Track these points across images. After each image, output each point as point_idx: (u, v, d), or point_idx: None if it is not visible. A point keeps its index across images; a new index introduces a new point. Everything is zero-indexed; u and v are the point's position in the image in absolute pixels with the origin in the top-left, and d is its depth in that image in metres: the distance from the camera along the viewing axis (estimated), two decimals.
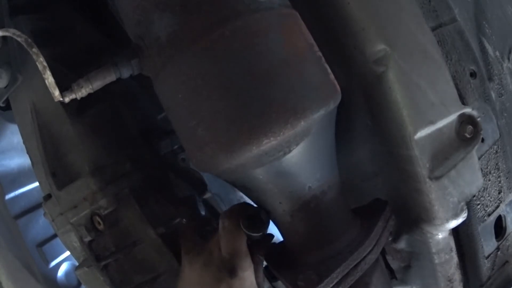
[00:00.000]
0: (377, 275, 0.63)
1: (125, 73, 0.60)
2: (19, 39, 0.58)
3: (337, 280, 0.57)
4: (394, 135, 0.63)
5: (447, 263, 0.69)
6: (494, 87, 0.74)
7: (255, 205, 0.65)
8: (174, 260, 0.80)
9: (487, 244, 0.72)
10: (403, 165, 0.64)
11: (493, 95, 0.73)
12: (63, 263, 1.28)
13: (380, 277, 0.64)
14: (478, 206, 0.70)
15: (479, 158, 0.67)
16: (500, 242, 0.75)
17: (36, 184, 1.13)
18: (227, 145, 0.52)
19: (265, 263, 0.68)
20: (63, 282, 1.26)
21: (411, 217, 0.67)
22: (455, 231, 0.69)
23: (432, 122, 0.61)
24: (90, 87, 0.60)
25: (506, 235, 0.76)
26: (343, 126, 0.65)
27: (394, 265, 0.75)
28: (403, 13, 0.61)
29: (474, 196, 0.68)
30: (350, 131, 0.70)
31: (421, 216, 0.65)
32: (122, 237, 0.83)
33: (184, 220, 0.86)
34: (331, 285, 0.57)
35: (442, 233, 0.66)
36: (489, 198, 0.71)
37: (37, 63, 0.58)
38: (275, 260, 0.65)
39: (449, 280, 0.70)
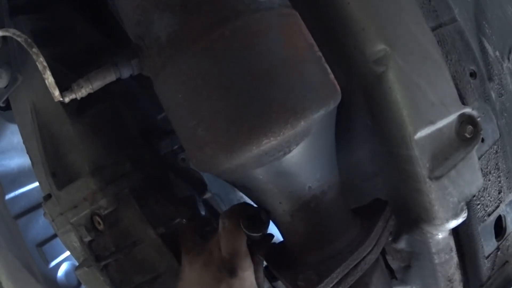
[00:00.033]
0: (377, 275, 0.63)
1: (125, 73, 0.60)
2: (19, 39, 0.58)
3: (337, 280, 0.57)
4: (394, 135, 0.63)
5: (447, 263, 0.69)
6: (494, 87, 0.74)
7: (255, 205, 0.65)
8: (174, 260, 0.80)
9: (487, 244, 0.72)
10: (403, 165, 0.64)
11: (493, 95, 0.73)
12: (63, 263, 1.28)
13: (380, 277, 0.64)
14: (478, 206, 0.70)
15: (479, 158, 0.67)
16: (500, 242, 0.75)
17: (36, 184, 1.13)
18: (227, 145, 0.52)
19: (265, 263, 0.68)
20: (63, 282, 1.25)
21: (411, 217, 0.67)
22: (455, 231, 0.69)
23: (432, 122, 0.61)
24: (90, 87, 0.60)
25: (506, 235, 0.76)
26: (343, 126, 0.65)
27: (394, 265, 0.75)
28: (403, 13, 0.61)
29: (474, 196, 0.68)
30: (350, 131, 0.70)
31: (421, 216, 0.65)
32: (122, 237, 0.83)
33: (184, 220, 0.86)
34: (331, 285, 0.57)
35: (442, 233, 0.66)
36: (489, 198, 0.71)
37: (37, 63, 0.58)
38: (275, 260, 0.65)
39: (449, 280, 0.70)
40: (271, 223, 0.64)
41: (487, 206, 0.71)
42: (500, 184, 0.72)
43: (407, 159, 0.63)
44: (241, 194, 0.79)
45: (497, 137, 0.71)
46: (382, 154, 0.67)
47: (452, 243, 0.68)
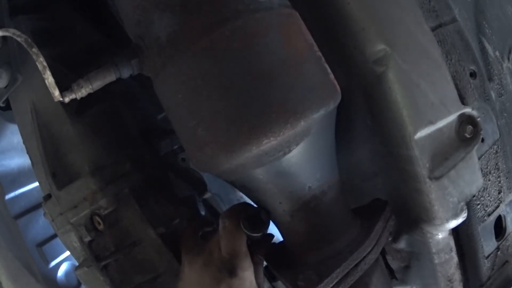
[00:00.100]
0: (377, 275, 0.63)
1: (125, 73, 0.60)
2: (19, 39, 0.58)
3: (337, 280, 0.57)
4: (394, 135, 0.63)
5: (447, 263, 0.69)
6: (494, 87, 0.74)
7: (255, 205, 0.65)
8: (174, 260, 0.80)
9: (487, 244, 0.72)
10: (403, 165, 0.64)
11: (493, 95, 0.73)
12: (63, 263, 1.28)
13: (380, 277, 0.64)
14: (478, 206, 0.70)
15: (479, 158, 0.67)
16: (500, 242, 0.75)
17: (36, 184, 1.13)
18: (227, 145, 0.52)
19: (265, 263, 0.68)
20: (63, 282, 1.25)
21: (411, 217, 0.67)
22: (455, 231, 0.69)
23: (432, 122, 0.61)
24: (90, 87, 0.60)
25: (506, 235, 0.76)
26: (343, 126, 0.65)
27: (394, 265, 0.75)
28: (403, 13, 0.61)
29: (474, 196, 0.68)
30: (350, 131, 0.70)
31: (421, 216, 0.65)
32: (122, 237, 0.83)
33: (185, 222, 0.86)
34: (331, 285, 0.57)
35: (442, 233, 0.66)
36: (489, 198, 0.71)
37: (37, 63, 0.58)
38: (275, 260, 0.65)
39: (449, 280, 0.70)
40: (271, 223, 0.64)
41: (487, 206, 0.71)
42: (500, 184, 0.72)
43: (407, 159, 0.63)
44: (241, 194, 0.79)
45: (497, 137, 0.71)
46: (382, 154, 0.67)
47: (452, 243, 0.68)
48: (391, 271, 0.76)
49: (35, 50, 0.58)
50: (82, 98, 0.61)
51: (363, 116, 0.67)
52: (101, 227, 0.83)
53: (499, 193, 0.72)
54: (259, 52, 0.51)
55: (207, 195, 1.02)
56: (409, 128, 0.60)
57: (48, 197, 0.88)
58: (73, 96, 0.60)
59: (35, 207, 1.24)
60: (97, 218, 0.83)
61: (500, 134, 0.71)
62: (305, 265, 0.60)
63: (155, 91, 0.59)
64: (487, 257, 0.73)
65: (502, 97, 0.75)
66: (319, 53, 0.57)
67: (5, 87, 0.83)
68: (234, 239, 0.64)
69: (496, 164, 0.72)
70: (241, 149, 0.51)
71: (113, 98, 0.88)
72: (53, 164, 0.85)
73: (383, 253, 0.71)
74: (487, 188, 0.71)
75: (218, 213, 1.03)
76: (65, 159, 0.85)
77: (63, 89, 0.59)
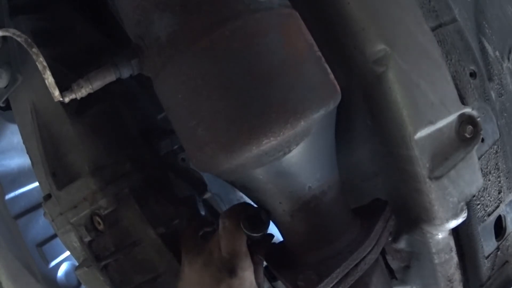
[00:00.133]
0: (377, 275, 0.63)
1: (125, 73, 0.60)
2: (19, 39, 0.58)
3: (337, 280, 0.57)
4: (394, 135, 0.63)
5: (447, 263, 0.69)
6: (494, 87, 0.74)
7: (255, 205, 0.65)
8: (174, 260, 0.80)
9: (487, 244, 0.72)
10: (403, 165, 0.64)
11: (493, 95, 0.73)
12: (63, 263, 1.28)
13: (380, 277, 0.64)
14: (478, 206, 0.70)
15: (479, 158, 0.67)
16: (500, 242, 0.75)
17: (36, 184, 1.13)
18: (227, 145, 0.52)
19: (265, 263, 0.68)
20: (63, 282, 1.25)
21: (411, 217, 0.67)
22: (455, 231, 0.69)
23: (432, 122, 0.61)
24: (90, 87, 0.60)
25: (506, 235, 0.76)
26: (343, 126, 0.65)
27: (394, 265, 0.75)
28: (403, 13, 0.61)
29: (474, 196, 0.68)
30: (350, 131, 0.70)
31: (421, 216, 0.65)
32: (122, 237, 0.83)
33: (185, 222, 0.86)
34: (331, 285, 0.57)
35: (442, 233, 0.66)
36: (489, 198, 0.71)
37: (37, 63, 0.58)
38: (275, 260, 0.65)
39: (449, 280, 0.70)
40: (271, 223, 0.64)
41: (487, 206, 0.71)
42: (500, 184, 0.72)
43: (407, 159, 0.63)
44: (241, 194, 0.79)
45: (497, 137, 0.71)
46: (382, 154, 0.67)
47: (452, 243, 0.68)
48: (391, 271, 0.76)
49: (35, 50, 0.58)
50: (82, 98, 0.61)
51: (363, 116, 0.67)
52: (101, 227, 0.83)
53: (499, 193, 0.72)
54: (259, 52, 0.51)
55: (207, 195, 1.02)
56: (409, 128, 0.60)
57: (48, 197, 0.88)
58: (73, 96, 0.60)
59: (35, 207, 1.24)
60: (97, 218, 0.83)
61: (500, 134, 0.71)
62: (305, 265, 0.60)
63: (155, 91, 0.59)
64: (487, 257, 0.73)
65: (502, 97, 0.75)
66: (319, 53, 0.57)
67: (5, 87, 0.83)
68: (234, 239, 0.64)
69: (496, 164, 0.72)
70: (241, 149, 0.51)
71: (113, 98, 0.88)
72: (53, 164, 0.85)
73: (383, 253, 0.71)
74: (487, 188, 0.71)
75: (218, 213, 1.02)
76: (65, 159, 0.85)
77: (63, 89, 0.59)
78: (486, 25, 0.75)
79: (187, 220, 0.87)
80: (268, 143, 0.51)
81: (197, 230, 0.76)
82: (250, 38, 0.52)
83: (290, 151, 0.54)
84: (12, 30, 0.59)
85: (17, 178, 1.23)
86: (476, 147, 0.63)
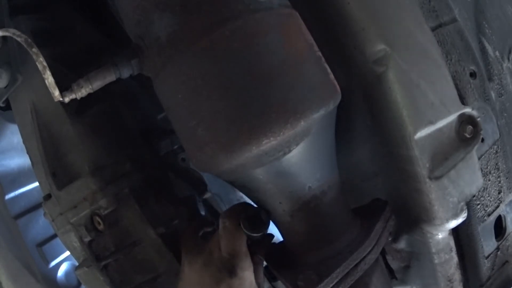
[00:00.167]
0: (377, 275, 0.63)
1: (125, 73, 0.60)
2: (19, 39, 0.58)
3: (337, 280, 0.57)
4: (394, 135, 0.63)
5: (447, 263, 0.69)
6: (494, 87, 0.74)
7: (255, 205, 0.65)
8: (174, 260, 0.80)
9: (487, 244, 0.72)
10: (403, 165, 0.64)
11: (493, 95, 0.73)
12: (63, 263, 1.28)
13: (380, 277, 0.64)
14: (478, 206, 0.70)
15: (479, 158, 0.67)
16: (500, 242, 0.75)
17: (36, 184, 1.13)
18: (227, 145, 0.52)
19: (265, 263, 0.68)
20: (63, 282, 1.25)
21: (411, 217, 0.67)
22: (455, 231, 0.69)
23: (432, 122, 0.61)
24: (90, 87, 0.60)
25: (506, 235, 0.76)
26: (343, 126, 0.65)
27: (394, 265, 0.75)
28: (403, 13, 0.61)
29: (474, 196, 0.68)
30: (350, 131, 0.70)
31: (421, 216, 0.65)
32: (122, 237, 0.83)
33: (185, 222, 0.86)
34: (331, 285, 0.57)
35: (442, 233, 0.66)
36: (489, 198, 0.71)
37: (37, 63, 0.58)
38: (275, 260, 0.65)
39: (449, 280, 0.70)
40: (271, 223, 0.64)
41: (487, 206, 0.71)
42: (500, 184, 0.72)
43: (407, 159, 0.63)
44: (241, 194, 0.79)
45: (497, 137, 0.71)
46: (382, 154, 0.67)
47: (452, 243, 0.68)
48: (391, 271, 0.76)
49: (35, 50, 0.58)
50: (82, 98, 0.61)
51: (363, 116, 0.67)
52: (101, 227, 0.83)
53: (499, 193, 0.72)
54: (259, 52, 0.51)
55: (207, 195, 1.02)
56: (409, 128, 0.60)
57: (48, 197, 0.88)
58: (73, 96, 0.60)
59: (35, 207, 1.24)
60: (97, 218, 0.83)
61: (500, 134, 0.71)
62: (305, 265, 0.60)
63: (155, 91, 0.59)
64: (487, 257, 0.73)
65: (502, 97, 0.75)
66: (319, 53, 0.56)
67: (5, 87, 0.83)
68: (234, 239, 0.64)
69: (496, 164, 0.72)
70: (241, 149, 0.51)
71: (113, 98, 0.88)
72: (53, 164, 0.85)
73: (383, 253, 0.71)
74: (487, 188, 0.71)
75: (218, 213, 1.02)
76: (65, 159, 0.85)
77: (63, 89, 0.59)
78: (486, 25, 0.75)
79: (187, 220, 0.87)
80: (268, 143, 0.51)
81: (197, 230, 0.76)
82: (250, 38, 0.52)
83: (290, 151, 0.54)
84: (12, 30, 0.59)
85: (17, 178, 1.23)
86: (476, 147, 0.63)
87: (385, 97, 0.61)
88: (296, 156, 0.55)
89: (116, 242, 0.83)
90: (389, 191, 0.70)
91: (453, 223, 0.64)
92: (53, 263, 1.25)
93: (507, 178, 0.73)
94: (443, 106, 0.61)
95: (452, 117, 0.62)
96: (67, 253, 1.26)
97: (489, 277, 0.74)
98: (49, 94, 0.58)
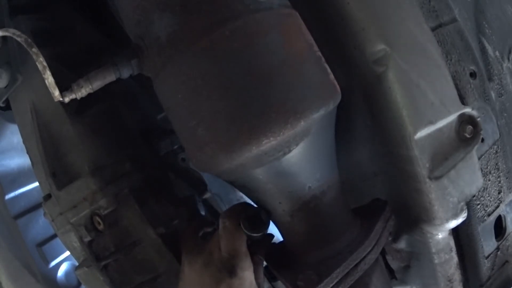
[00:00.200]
0: (377, 275, 0.63)
1: (125, 73, 0.60)
2: (19, 39, 0.58)
3: (337, 280, 0.57)
4: (394, 135, 0.63)
5: (447, 263, 0.69)
6: (494, 87, 0.74)
7: (255, 205, 0.65)
8: (174, 260, 0.80)
9: (487, 244, 0.72)
10: (403, 165, 0.64)
11: (493, 95, 0.73)
12: (63, 263, 1.28)
13: (380, 277, 0.64)
14: (478, 206, 0.70)
15: (479, 158, 0.67)
16: (500, 242, 0.75)
17: (36, 184, 1.13)
18: (227, 145, 0.52)
19: (265, 263, 0.68)
20: (63, 282, 1.25)
21: (411, 217, 0.67)
22: (455, 231, 0.69)
23: (432, 122, 0.61)
24: (90, 87, 0.60)
25: (506, 235, 0.76)
26: (343, 126, 0.65)
27: (394, 265, 0.75)
28: (403, 13, 0.61)
29: (474, 196, 0.68)
30: (350, 131, 0.70)
31: (421, 216, 0.65)
32: (122, 237, 0.83)
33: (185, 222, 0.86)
34: (331, 285, 0.57)
35: (442, 233, 0.66)
36: (489, 198, 0.71)
37: (37, 63, 0.58)
38: (275, 260, 0.65)
39: (449, 280, 0.70)
40: (271, 223, 0.64)
41: (487, 206, 0.71)
42: (500, 184, 0.72)
43: (407, 159, 0.63)
44: (241, 194, 0.79)
45: (497, 137, 0.71)
46: (382, 154, 0.67)
47: (452, 243, 0.68)
48: (391, 271, 0.76)
49: (35, 50, 0.58)
50: (82, 98, 0.61)
51: (363, 116, 0.67)
52: (101, 227, 0.83)
53: (499, 193, 0.72)
54: (259, 52, 0.51)
55: (207, 195, 1.02)
56: (409, 128, 0.60)
57: (48, 197, 0.87)
58: (73, 96, 0.60)
59: (35, 207, 1.24)
60: (97, 218, 0.83)
61: (500, 134, 0.71)
62: (305, 265, 0.60)
63: (155, 91, 0.59)
64: (487, 257, 0.73)
65: (502, 97, 0.75)
66: (319, 53, 0.57)
67: (5, 87, 0.83)
68: (234, 239, 0.64)
69: (496, 164, 0.72)
70: (241, 149, 0.51)
71: (113, 98, 0.88)
72: (53, 164, 0.85)
73: (383, 253, 0.71)
74: (487, 188, 0.71)
75: (218, 213, 1.02)
76: (65, 159, 0.84)
77: (63, 89, 0.59)
78: (486, 25, 0.75)
79: (187, 220, 0.87)
80: (268, 143, 0.51)
81: (197, 230, 0.76)
82: (250, 38, 0.52)
83: (290, 151, 0.54)
84: (12, 30, 0.59)
85: (17, 178, 1.23)
86: (476, 147, 0.63)
87: (385, 97, 0.61)
88: (296, 156, 0.55)
89: (116, 242, 0.83)
90: (389, 191, 0.70)
91: (453, 223, 0.64)
92: (53, 263, 1.25)
93: (507, 178, 0.73)
94: (443, 106, 0.61)
95: (452, 117, 0.62)
96: (67, 253, 1.26)
97: (489, 277, 0.74)
98: (49, 94, 0.58)
